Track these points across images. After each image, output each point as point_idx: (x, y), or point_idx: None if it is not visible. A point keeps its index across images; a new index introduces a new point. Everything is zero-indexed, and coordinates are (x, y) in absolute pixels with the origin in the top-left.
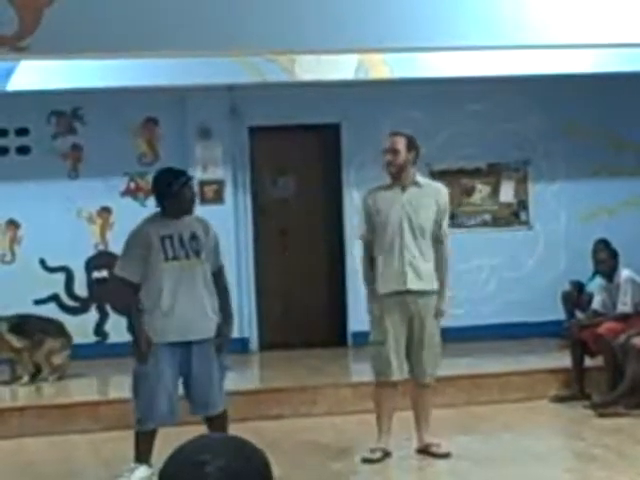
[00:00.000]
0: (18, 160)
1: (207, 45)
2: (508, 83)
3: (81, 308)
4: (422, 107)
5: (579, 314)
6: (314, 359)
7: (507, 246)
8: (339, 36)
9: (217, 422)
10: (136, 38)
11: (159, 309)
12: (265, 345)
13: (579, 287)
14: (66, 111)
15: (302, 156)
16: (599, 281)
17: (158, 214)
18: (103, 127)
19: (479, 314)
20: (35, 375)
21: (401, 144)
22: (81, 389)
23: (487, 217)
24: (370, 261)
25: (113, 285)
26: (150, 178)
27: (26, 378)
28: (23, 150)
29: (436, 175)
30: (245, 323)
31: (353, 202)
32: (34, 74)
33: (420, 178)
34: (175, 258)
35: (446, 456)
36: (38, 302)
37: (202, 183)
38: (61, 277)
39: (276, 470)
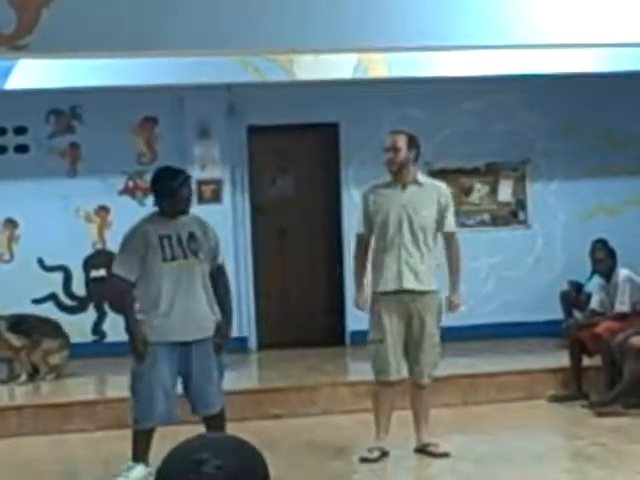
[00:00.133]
0: (16, 159)
1: (206, 45)
2: (507, 82)
3: (79, 307)
4: (421, 106)
5: (577, 314)
6: (312, 358)
7: (505, 246)
8: (339, 36)
9: (215, 421)
10: (134, 37)
11: (158, 309)
12: (263, 344)
13: (577, 287)
14: (64, 110)
15: (301, 155)
16: (597, 281)
17: (156, 214)
18: (101, 126)
19: (477, 314)
20: (33, 375)
21: (402, 142)
22: (79, 388)
23: (485, 216)
24: (363, 258)
25: (109, 283)
26: (148, 177)
27: (24, 377)
28: (21, 149)
29: (435, 174)
30: (244, 322)
31: (352, 201)
32: (32, 73)
33: (421, 177)
34: (173, 258)
35: (444, 456)
36: (36, 301)
37: (200, 182)
38: (59, 276)
39: (274, 470)
